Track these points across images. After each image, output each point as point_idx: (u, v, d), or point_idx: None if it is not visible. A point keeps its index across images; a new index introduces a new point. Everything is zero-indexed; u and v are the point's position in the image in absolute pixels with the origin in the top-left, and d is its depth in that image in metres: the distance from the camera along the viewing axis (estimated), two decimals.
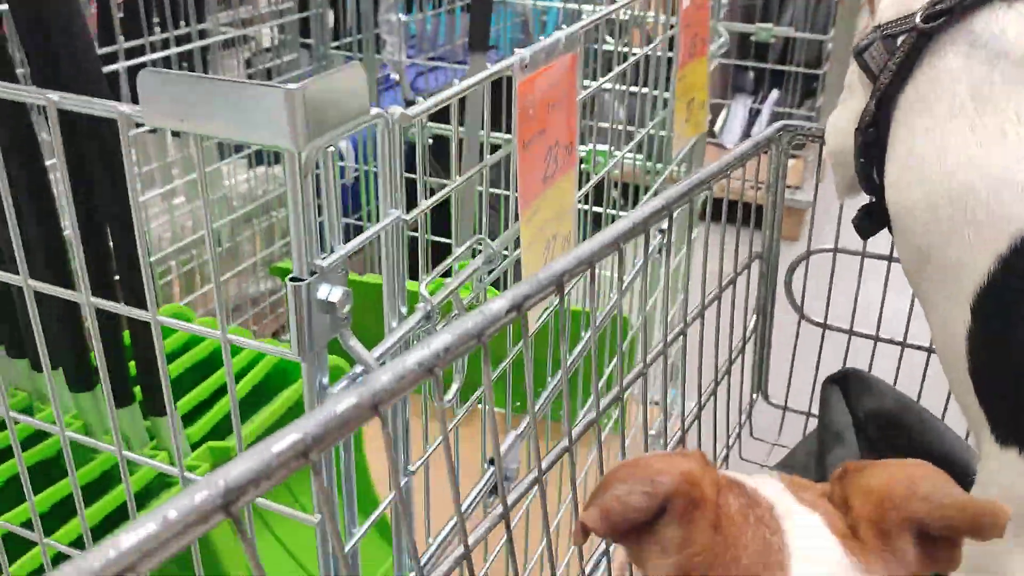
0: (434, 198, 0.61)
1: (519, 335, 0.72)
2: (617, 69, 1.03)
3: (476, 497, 0.70)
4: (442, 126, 1.27)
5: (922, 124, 0.74)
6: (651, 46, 1.08)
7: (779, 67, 2.70)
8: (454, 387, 0.66)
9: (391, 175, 0.53)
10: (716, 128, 2.83)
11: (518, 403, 0.65)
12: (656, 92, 1.14)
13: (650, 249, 1.04)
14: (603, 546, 0.80)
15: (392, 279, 0.56)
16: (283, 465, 0.34)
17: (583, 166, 0.98)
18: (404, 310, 0.58)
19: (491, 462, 0.72)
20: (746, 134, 2.80)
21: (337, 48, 1.80)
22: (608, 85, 1.09)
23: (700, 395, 0.92)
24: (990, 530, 0.48)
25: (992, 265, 0.67)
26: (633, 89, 1.19)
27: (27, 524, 0.77)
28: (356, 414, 0.37)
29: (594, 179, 0.92)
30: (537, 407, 0.80)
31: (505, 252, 0.72)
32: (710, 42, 1.18)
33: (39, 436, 0.95)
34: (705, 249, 0.89)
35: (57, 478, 0.87)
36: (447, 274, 0.66)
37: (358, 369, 0.52)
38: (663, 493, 0.49)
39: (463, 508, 0.66)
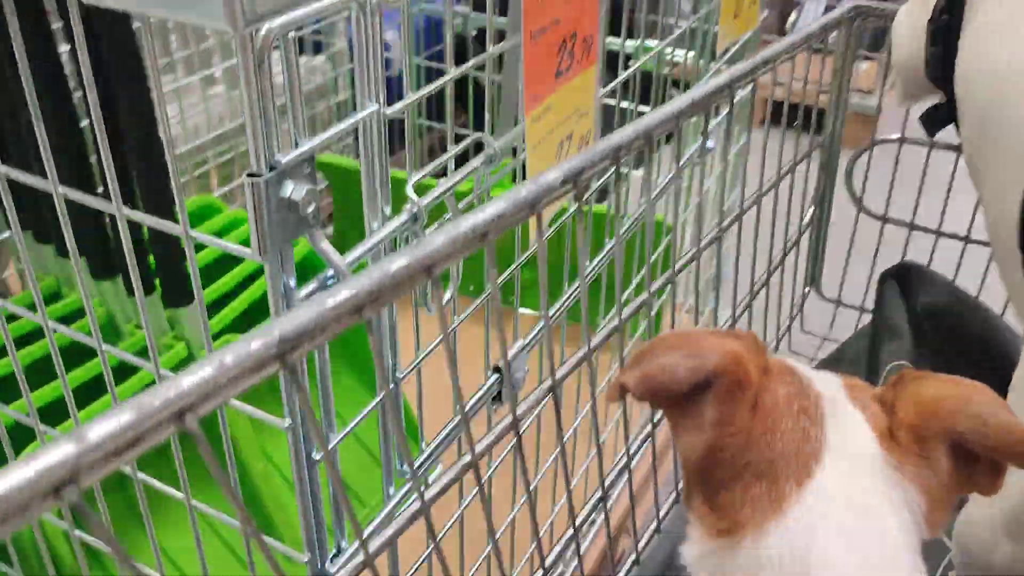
0: (424, 89, 0.57)
1: (526, 242, 0.68)
2: None
3: (478, 402, 0.67)
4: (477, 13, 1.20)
5: (998, 6, 0.74)
6: None
7: None
8: (450, 289, 0.63)
9: (367, 62, 0.49)
10: (788, 26, 2.67)
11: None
12: None
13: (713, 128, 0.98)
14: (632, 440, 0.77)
15: (371, 177, 0.52)
16: (337, 319, 0.34)
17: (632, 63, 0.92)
18: (388, 210, 0.55)
19: (496, 370, 0.69)
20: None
21: None
22: None
23: (752, 284, 0.89)
24: None
25: None
26: None
27: (56, 404, 0.78)
28: (408, 274, 0.37)
29: (624, 75, 0.86)
30: (553, 311, 0.76)
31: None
32: None
33: (68, 320, 0.97)
34: (765, 141, 0.83)
35: (81, 364, 0.88)
36: (445, 173, 0.62)
37: (330, 272, 0.49)
38: (707, 368, 0.49)
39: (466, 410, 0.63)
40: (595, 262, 0.82)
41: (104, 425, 0.27)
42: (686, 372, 0.49)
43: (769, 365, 0.52)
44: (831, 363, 1.09)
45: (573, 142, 0.68)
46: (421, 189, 0.55)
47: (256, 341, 0.32)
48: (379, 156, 0.52)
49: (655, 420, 0.73)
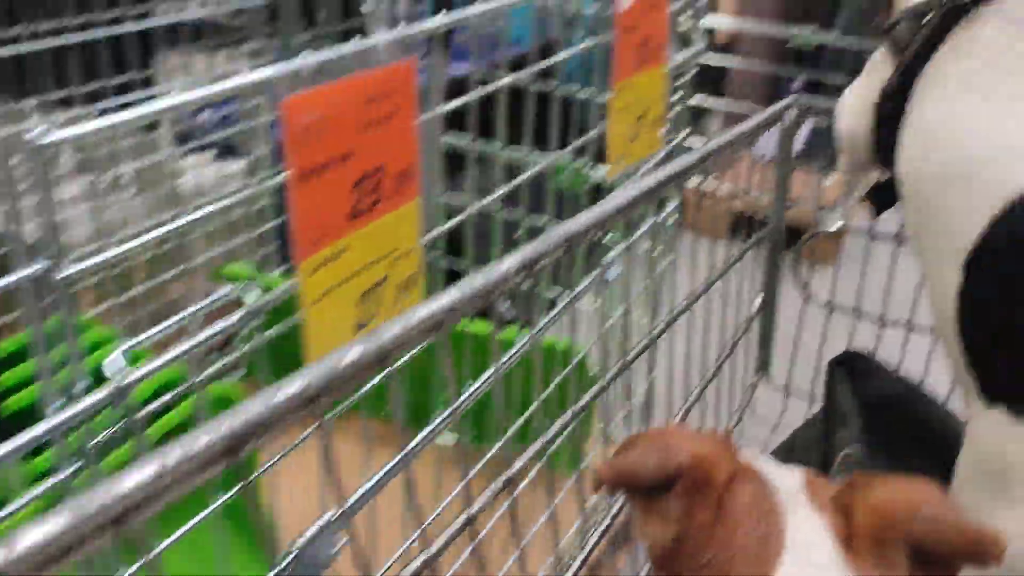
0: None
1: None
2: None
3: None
4: None
5: (940, 92, 0.78)
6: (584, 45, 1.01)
7: (815, 75, 2.58)
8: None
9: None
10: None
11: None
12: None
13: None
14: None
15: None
16: (288, 412, 0.34)
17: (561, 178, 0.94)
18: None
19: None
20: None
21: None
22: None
23: (704, 373, 0.92)
24: (988, 556, 0.48)
25: (985, 227, 0.70)
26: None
27: None
28: (361, 364, 0.37)
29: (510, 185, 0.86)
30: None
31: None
32: (675, 48, 1.12)
33: None
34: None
35: None
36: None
37: None
38: (674, 466, 0.52)
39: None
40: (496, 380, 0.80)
41: (36, 532, 0.26)
42: (654, 467, 0.52)
43: (737, 467, 0.54)
44: (783, 451, 1.11)
45: (388, 287, 0.62)
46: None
47: (203, 437, 0.31)
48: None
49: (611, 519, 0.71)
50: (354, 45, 0.60)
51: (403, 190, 0.60)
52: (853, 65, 2.47)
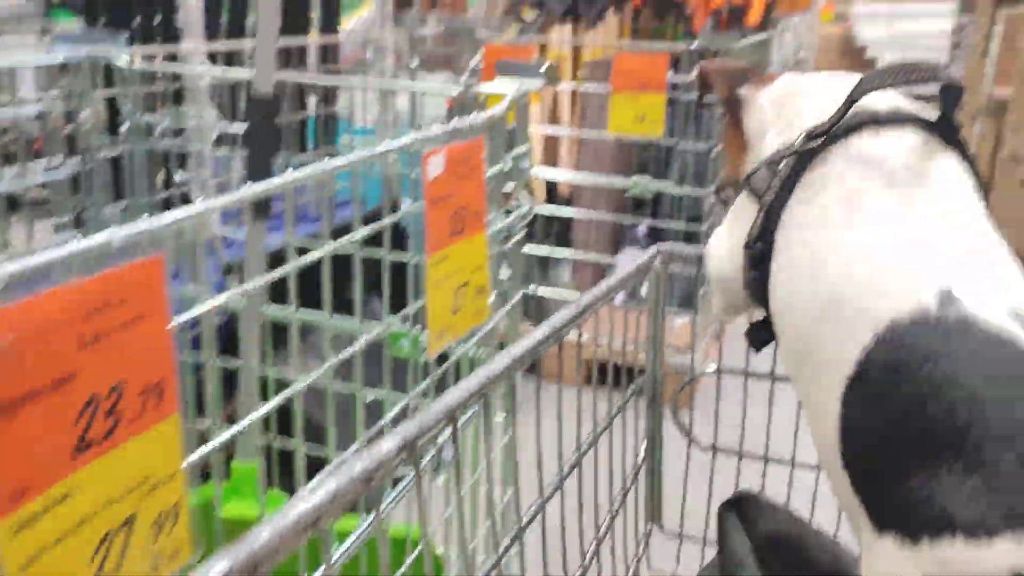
0: None
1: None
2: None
3: None
4: None
5: (801, 233, 0.82)
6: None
7: (656, 223, 2.62)
8: None
9: None
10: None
11: None
12: None
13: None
14: None
15: None
16: None
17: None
18: None
19: None
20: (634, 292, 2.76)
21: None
22: None
23: (597, 529, 0.91)
24: None
25: (858, 358, 0.72)
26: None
27: None
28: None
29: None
30: None
31: None
32: (495, 213, 1.10)
33: None
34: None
35: None
36: None
37: None
38: None
39: None
40: None
41: None
42: None
43: None
44: None
45: (139, 527, 0.52)
46: None
47: None
48: None
49: None
50: (86, 242, 0.51)
51: (154, 408, 0.51)
52: (690, 211, 2.60)
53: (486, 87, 1.09)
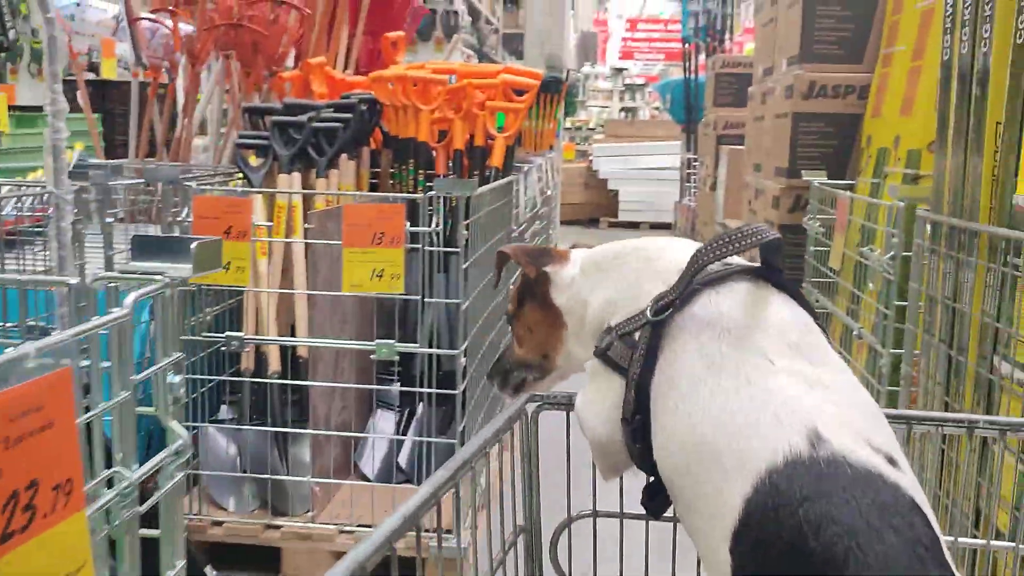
0: None
1: None
2: None
3: None
4: None
5: (673, 401, 0.87)
6: None
7: (409, 388, 2.39)
8: None
9: None
10: (355, 457, 2.42)
11: None
12: None
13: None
14: None
15: None
16: None
17: None
18: None
19: None
20: (390, 461, 2.43)
21: None
22: None
23: None
24: None
25: (741, 507, 0.78)
26: None
27: None
28: None
29: None
30: None
31: None
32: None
33: None
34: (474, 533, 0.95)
35: None
36: None
37: None
38: None
39: None
40: None
41: None
42: None
43: None
44: None
45: None
46: None
47: None
48: None
49: None
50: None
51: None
52: (447, 367, 2.38)
53: (119, 274, 0.79)
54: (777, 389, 0.82)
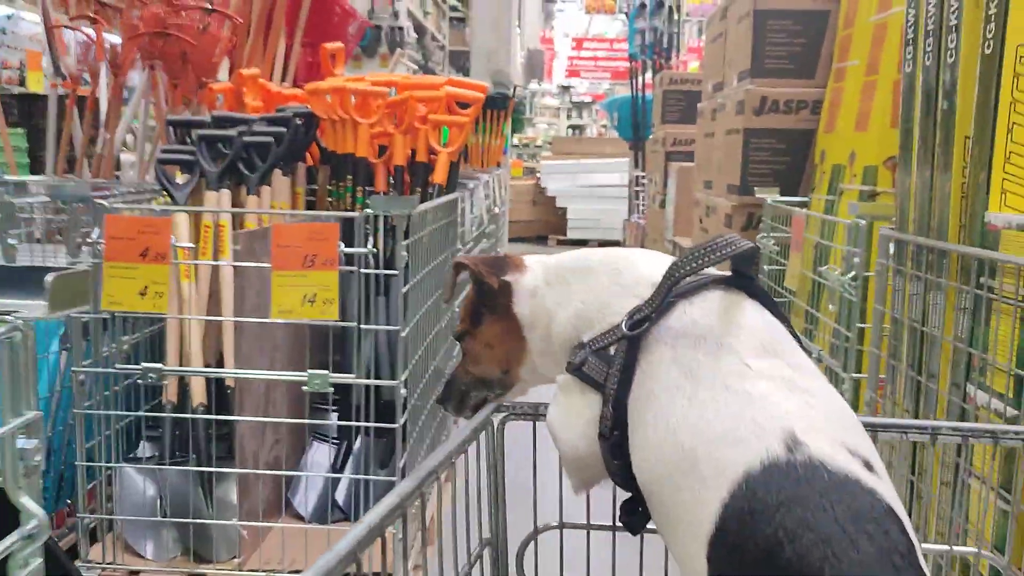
0: None
1: None
2: None
3: None
4: None
5: (652, 413, 0.88)
6: None
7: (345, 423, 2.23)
8: None
9: None
10: (288, 495, 2.24)
11: None
12: None
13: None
14: None
15: None
16: None
17: None
18: None
19: None
20: (326, 498, 2.26)
21: None
22: None
23: None
24: None
25: (718, 512, 0.79)
26: None
27: None
28: None
29: None
30: None
31: None
32: None
33: None
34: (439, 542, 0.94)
35: None
36: None
37: None
38: None
39: None
40: None
41: None
42: None
43: None
44: None
45: None
46: None
47: None
48: None
49: None
50: None
51: None
52: (386, 397, 2.23)
53: None
54: (755, 393, 0.83)
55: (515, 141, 14.39)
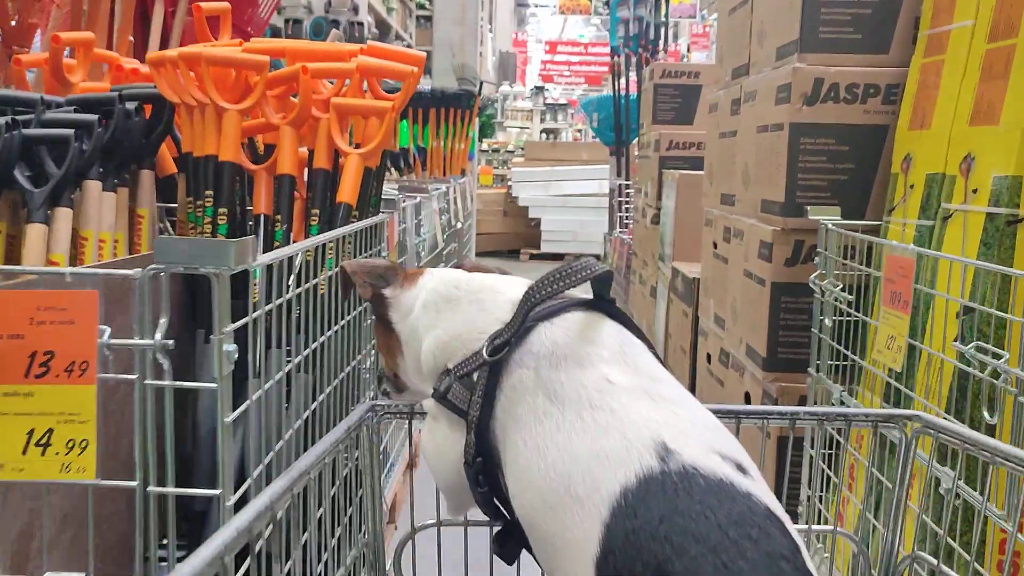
0: None
1: None
2: None
3: None
4: None
5: (520, 438, 0.88)
6: None
7: None
8: None
9: None
10: None
11: None
12: None
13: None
14: None
15: None
16: None
17: None
18: None
19: None
20: None
21: None
22: None
23: None
24: None
25: (601, 534, 0.78)
26: None
27: None
28: None
29: None
30: None
31: None
32: None
33: None
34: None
35: None
36: None
37: None
38: None
39: None
40: None
41: None
42: None
43: None
44: None
45: None
46: None
47: None
48: None
49: None
50: None
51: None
52: None
53: None
54: (620, 408, 0.83)
55: (484, 146, 13.46)
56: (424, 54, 1.90)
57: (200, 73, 1.69)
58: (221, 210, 1.68)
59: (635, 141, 6.63)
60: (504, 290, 0.98)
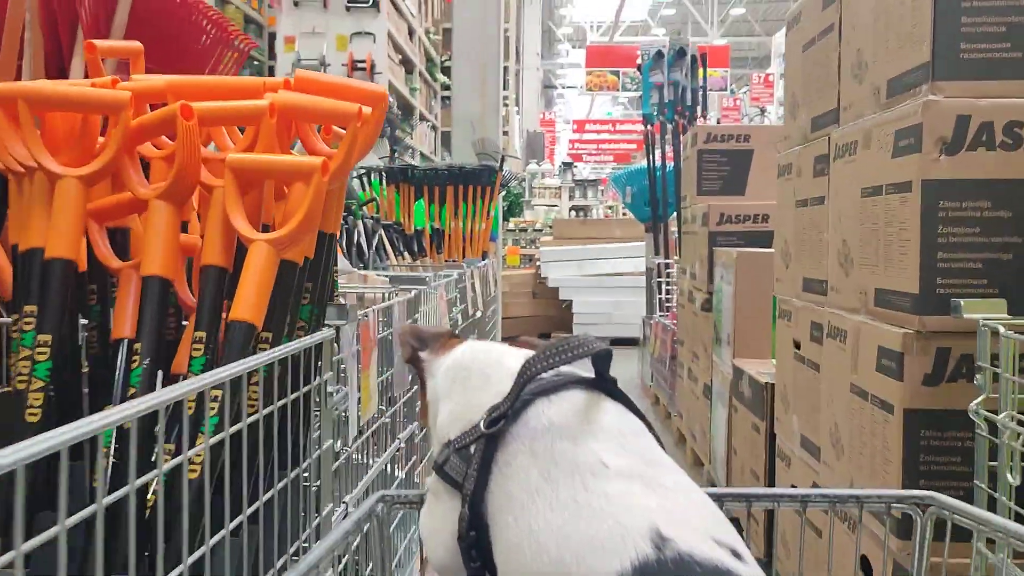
0: None
1: None
2: None
3: None
4: None
5: (513, 515, 0.85)
6: None
7: None
8: None
9: None
10: None
11: None
12: None
13: None
14: None
15: None
16: None
17: None
18: None
19: None
20: None
21: None
22: None
23: None
24: None
25: None
26: None
27: None
28: None
29: None
30: None
31: None
32: None
33: None
34: None
35: None
36: None
37: None
38: None
39: None
40: None
41: None
42: None
43: None
44: None
45: None
46: None
47: None
48: None
49: None
50: None
51: None
52: None
53: None
54: (615, 494, 0.81)
55: (511, 225, 12.91)
56: (385, 91, 1.26)
57: (22, 121, 1.06)
58: (42, 337, 1.03)
59: (672, 216, 5.98)
60: (509, 363, 0.95)
